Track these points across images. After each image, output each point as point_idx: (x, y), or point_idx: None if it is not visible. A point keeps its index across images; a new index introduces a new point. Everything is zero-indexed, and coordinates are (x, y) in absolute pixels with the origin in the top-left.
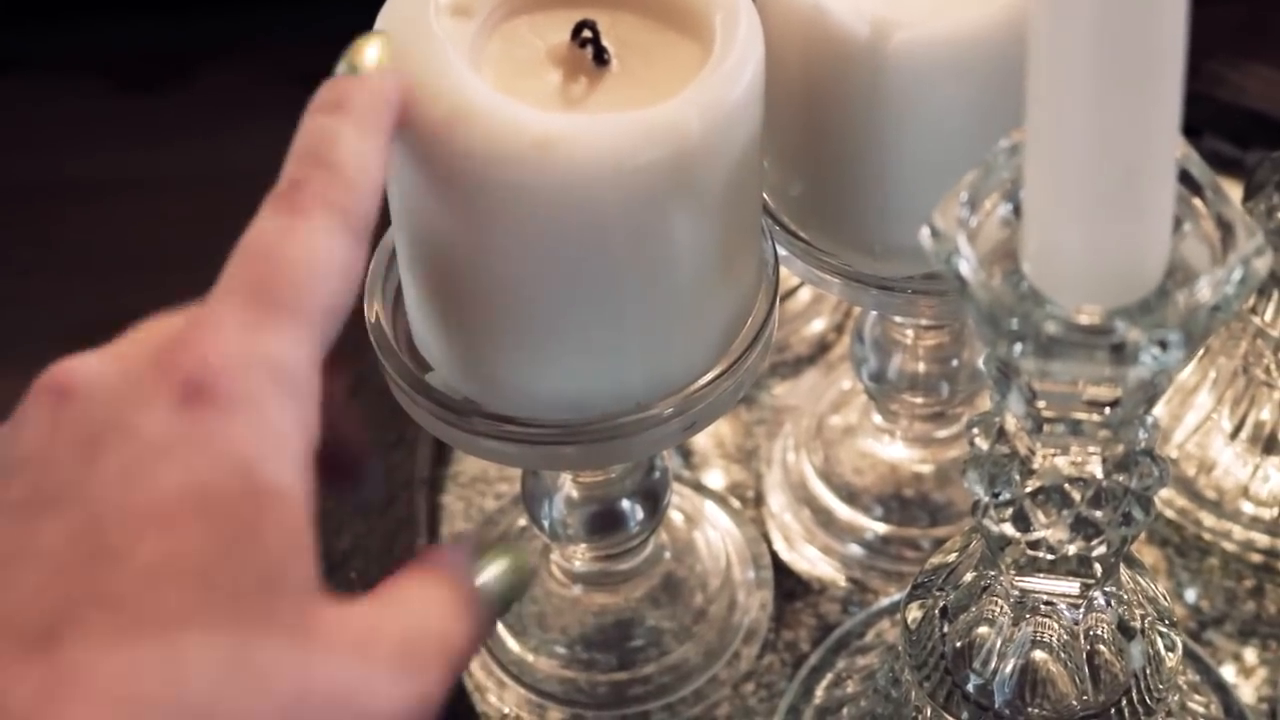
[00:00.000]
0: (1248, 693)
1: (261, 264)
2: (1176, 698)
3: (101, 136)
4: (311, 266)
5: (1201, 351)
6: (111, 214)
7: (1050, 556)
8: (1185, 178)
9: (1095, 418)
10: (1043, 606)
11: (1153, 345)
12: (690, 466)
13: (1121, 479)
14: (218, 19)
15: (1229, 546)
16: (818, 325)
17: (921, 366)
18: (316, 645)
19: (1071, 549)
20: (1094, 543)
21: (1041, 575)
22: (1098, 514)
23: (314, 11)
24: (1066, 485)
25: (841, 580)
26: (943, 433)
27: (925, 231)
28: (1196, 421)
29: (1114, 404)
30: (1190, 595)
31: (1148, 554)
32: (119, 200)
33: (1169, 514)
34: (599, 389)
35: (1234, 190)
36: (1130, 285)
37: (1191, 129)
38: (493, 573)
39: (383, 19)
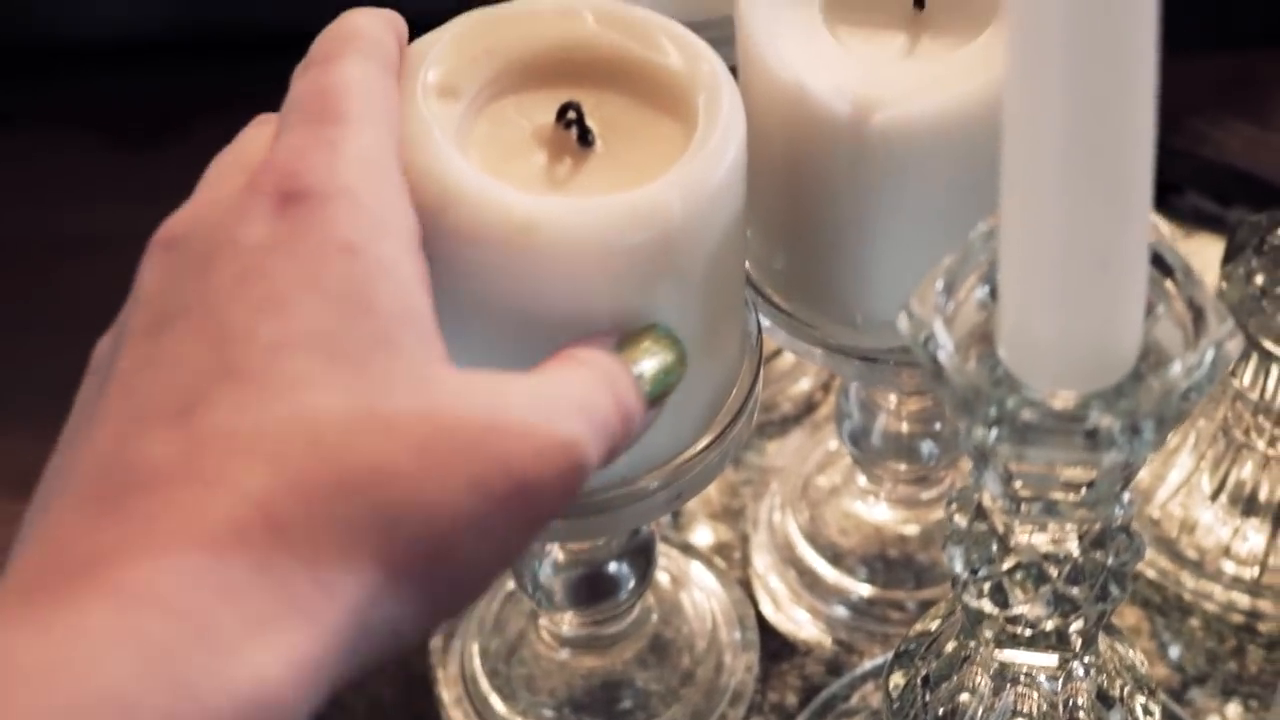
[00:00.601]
0: None
1: (314, 95)
2: None
3: (98, 191)
4: (362, 82)
5: None
6: (108, 269)
7: (1029, 632)
8: (1158, 261)
9: (1071, 498)
10: (1022, 677)
11: (1127, 430)
12: (677, 527)
13: (1098, 555)
14: (214, 72)
15: (1210, 607)
16: (804, 384)
17: (905, 427)
18: (441, 394)
19: (1049, 624)
20: (1071, 618)
21: (1021, 649)
22: (1074, 591)
23: None
24: (1044, 562)
25: (828, 642)
26: (927, 494)
27: (902, 317)
28: (1178, 482)
29: (1090, 484)
30: (1172, 654)
31: (1130, 614)
32: (116, 256)
33: (1150, 574)
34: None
35: (1215, 246)
36: (1104, 370)
37: (1173, 186)
38: (645, 363)
39: None
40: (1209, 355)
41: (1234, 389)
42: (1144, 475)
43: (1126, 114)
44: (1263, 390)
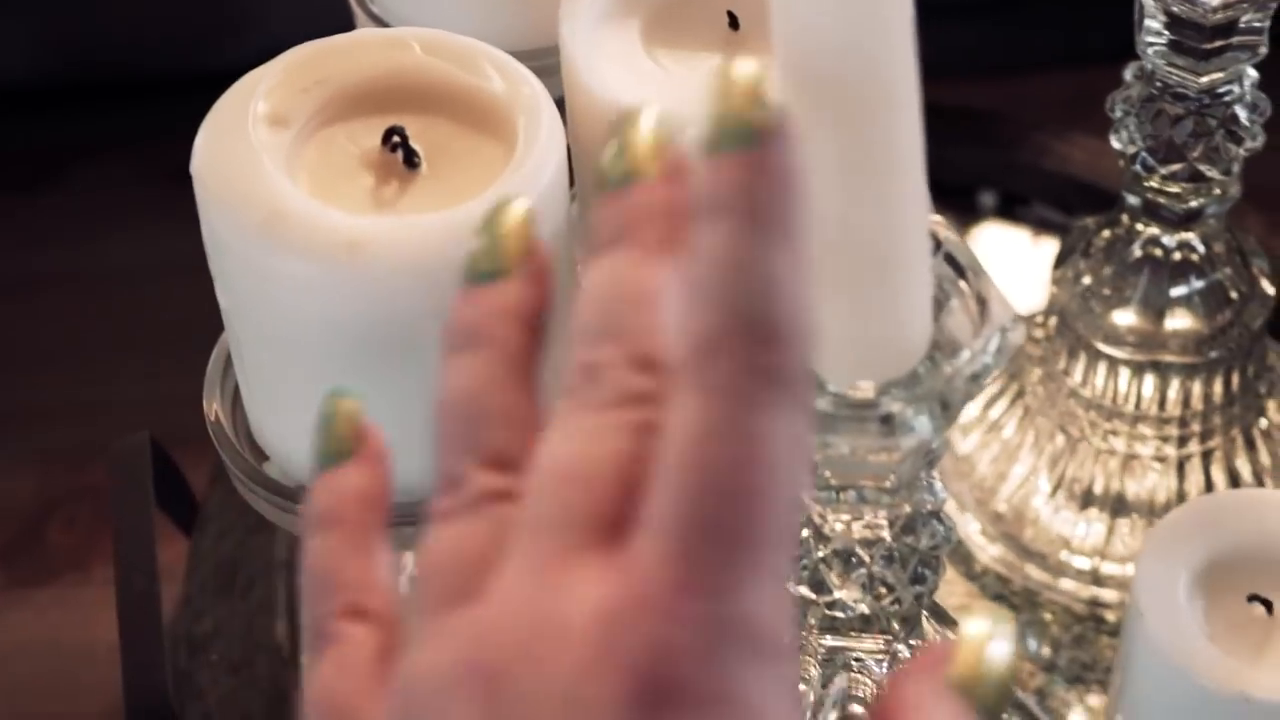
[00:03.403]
0: None
1: (709, 491)
2: None
3: None
4: (773, 472)
5: (1021, 412)
6: None
7: (848, 615)
8: (950, 260)
9: (879, 484)
10: (853, 663)
11: (918, 414)
12: None
13: (909, 540)
14: (86, 120)
15: (1055, 597)
16: None
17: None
18: None
19: (865, 608)
20: (886, 601)
21: (844, 635)
22: (888, 574)
23: (182, 110)
24: (857, 547)
25: None
26: None
27: None
28: (1020, 478)
29: (894, 471)
30: (1022, 646)
31: (979, 607)
32: None
33: (999, 569)
34: (424, 475)
35: None
36: (896, 360)
37: (1020, 198)
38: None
39: (205, 130)
40: (993, 342)
41: (1068, 387)
42: (987, 472)
43: (893, 122)
44: (1094, 388)
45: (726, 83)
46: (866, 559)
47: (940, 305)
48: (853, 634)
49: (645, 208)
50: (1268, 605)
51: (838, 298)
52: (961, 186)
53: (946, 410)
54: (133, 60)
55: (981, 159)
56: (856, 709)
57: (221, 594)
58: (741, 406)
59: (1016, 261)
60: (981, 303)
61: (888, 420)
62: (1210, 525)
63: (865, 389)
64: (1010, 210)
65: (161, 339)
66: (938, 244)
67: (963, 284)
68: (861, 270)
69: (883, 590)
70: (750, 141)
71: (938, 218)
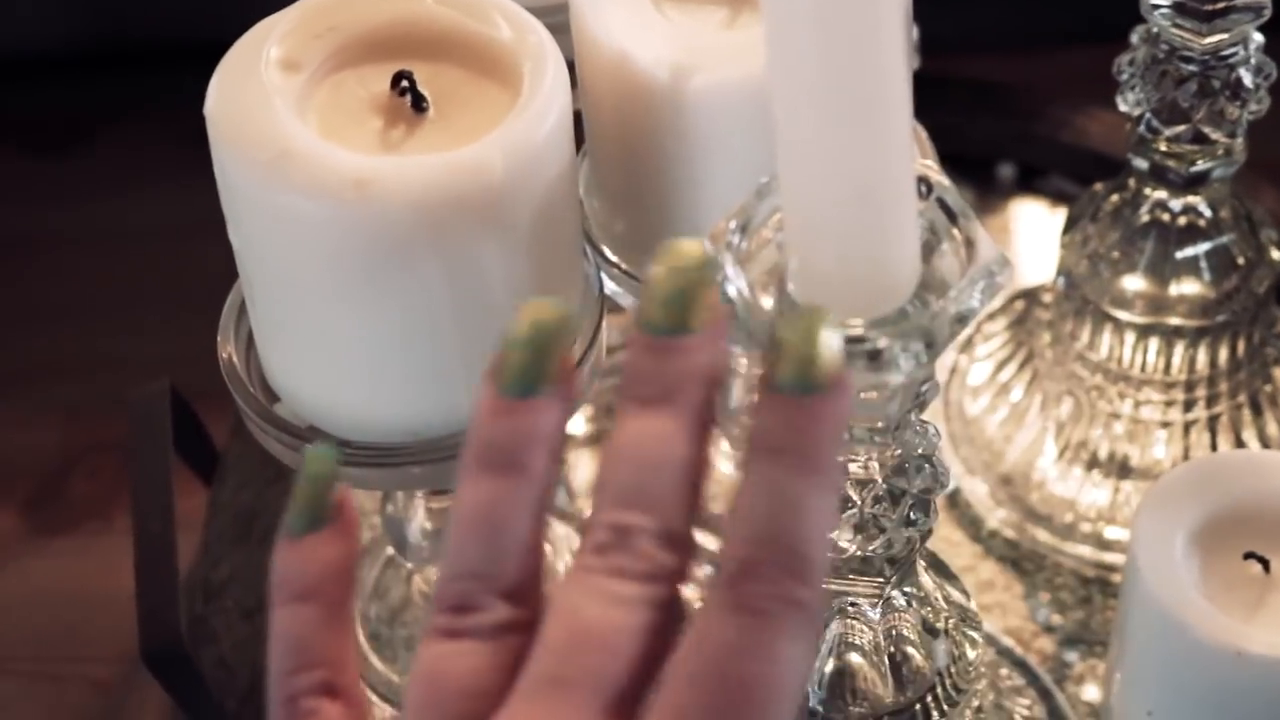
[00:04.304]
0: (1079, 699)
1: (730, 699)
2: (992, 698)
3: (3, 196)
4: (786, 691)
5: (1030, 375)
6: (15, 271)
7: (842, 556)
8: (943, 205)
9: (870, 424)
10: (849, 608)
11: (905, 351)
12: (570, 498)
13: (901, 482)
14: (114, 84)
15: (1061, 560)
16: None
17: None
18: None
19: (858, 549)
20: (877, 544)
21: (838, 579)
22: (880, 514)
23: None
24: (850, 489)
25: (697, 604)
26: None
27: None
28: (1027, 442)
29: (884, 409)
30: (1025, 607)
31: (985, 569)
32: (22, 257)
33: (1007, 532)
34: (430, 413)
35: None
36: (883, 298)
37: (1038, 170)
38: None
39: (219, 73)
40: (980, 284)
41: (1076, 351)
42: (995, 435)
43: (875, 56)
44: (1101, 351)
45: (798, 324)
46: (858, 499)
47: (932, 249)
48: (848, 578)
49: (688, 369)
50: (1264, 563)
51: (824, 234)
52: (981, 159)
53: (931, 349)
54: (160, 26)
55: (1001, 131)
56: (853, 656)
57: (239, 542)
58: (770, 631)
59: (1034, 233)
60: (970, 245)
61: (875, 356)
62: (1209, 484)
63: (855, 325)
64: (1029, 182)
65: (186, 295)
66: (930, 188)
67: (954, 230)
68: (848, 205)
69: (875, 532)
70: (813, 390)
71: (930, 162)
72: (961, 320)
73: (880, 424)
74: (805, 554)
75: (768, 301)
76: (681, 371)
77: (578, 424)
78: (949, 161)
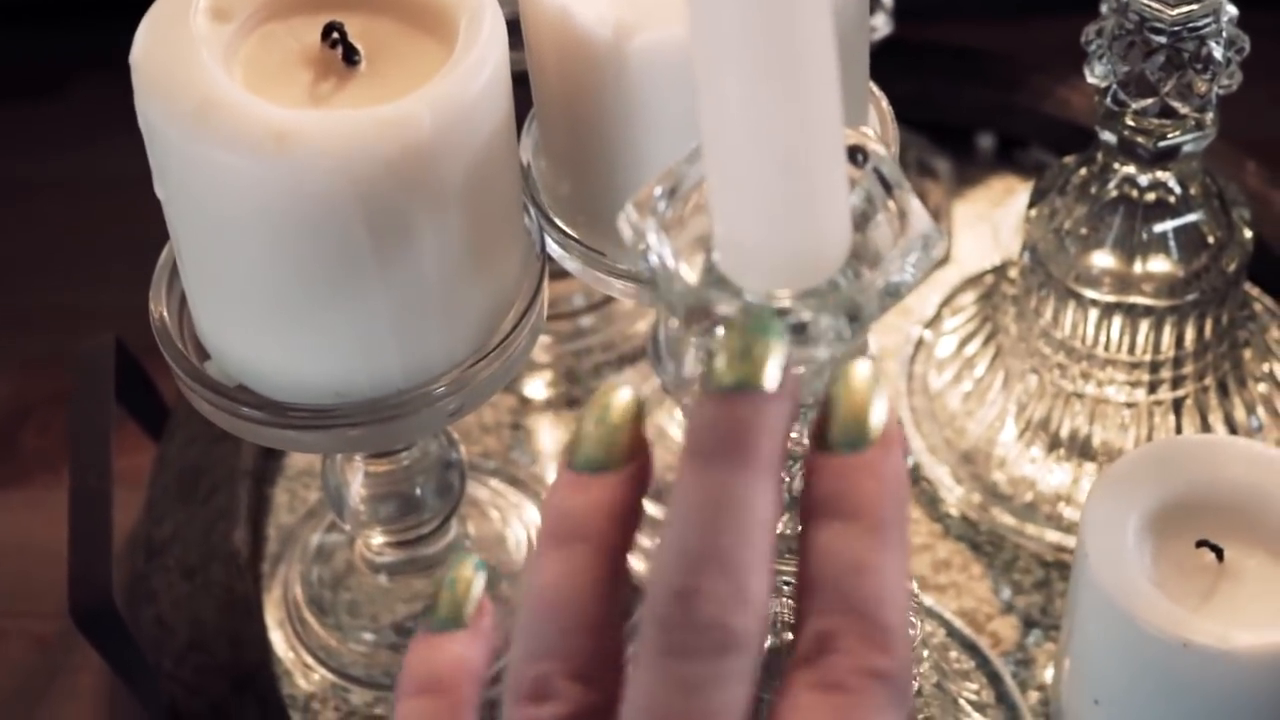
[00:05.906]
0: (1032, 683)
1: None
2: (935, 680)
3: None
4: None
5: (995, 351)
6: None
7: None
8: (879, 175)
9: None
10: (783, 587)
11: (831, 323)
12: (511, 465)
13: None
14: (88, 33)
15: (1022, 542)
16: (641, 326)
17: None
18: None
19: (790, 529)
20: None
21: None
22: None
23: None
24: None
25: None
26: None
27: (622, 221)
28: (989, 419)
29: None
30: (980, 588)
31: (943, 548)
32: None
33: (967, 511)
34: (357, 374)
35: None
36: (811, 269)
37: (1018, 140)
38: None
39: (147, 20)
40: (911, 255)
41: (1039, 327)
42: (957, 410)
43: (797, 19)
44: (1065, 329)
45: (848, 385)
46: (787, 478)
47: (867, 219)
48: (784, 558)
49: (756, 424)
50: (1218, 552)
51: (747, 200)
52: (960, 128)
53: (856, 322)
54: None
55: (981, 100)
56: (788, 636)
57: (183, 499)
58: (860, 710)
59: (1011, 205)
60: (903, 217)
61: (801, 330)
62: (1164, 469)
63: (781, 296)
64: (1008, 153)
65: (149, 249)
66: (866, 157)
67: (889, 201)
68: (771, 171)
69: None
70: (868, 445)
71: (866, 129)
72: (892, 294)
73: (810, 400)
74: (889, 622)
75: (690, 272)
76: (747, 424)
77: (537, 389)
78: (928, 130)
